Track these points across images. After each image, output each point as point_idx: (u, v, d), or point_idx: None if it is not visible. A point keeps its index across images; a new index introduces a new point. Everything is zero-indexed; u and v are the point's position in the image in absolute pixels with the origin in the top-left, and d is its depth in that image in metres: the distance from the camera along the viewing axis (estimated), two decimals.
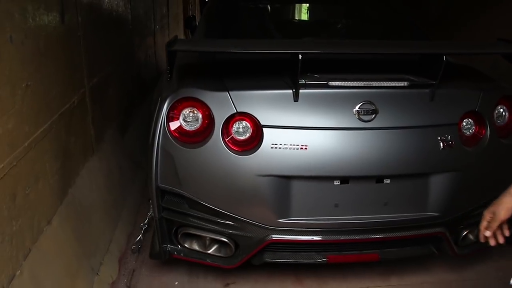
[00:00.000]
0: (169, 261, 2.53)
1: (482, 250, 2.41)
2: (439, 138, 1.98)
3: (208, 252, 2.17)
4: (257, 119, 1.91)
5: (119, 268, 2.48)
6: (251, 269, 2.43)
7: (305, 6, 3.80)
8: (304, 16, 3.96)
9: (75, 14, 2.33)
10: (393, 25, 2.98)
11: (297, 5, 3.96)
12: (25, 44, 1.70)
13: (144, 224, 2.71)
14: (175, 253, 2.19)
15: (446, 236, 2.13)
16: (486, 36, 3.82)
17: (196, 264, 2.46)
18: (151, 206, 2.74)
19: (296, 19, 4.05)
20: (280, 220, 1.96)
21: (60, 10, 2.09)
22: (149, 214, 2.73)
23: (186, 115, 1.97)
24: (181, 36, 8.45)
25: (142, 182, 3.42)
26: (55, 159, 2.04)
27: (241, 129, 1.93)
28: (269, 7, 3.28)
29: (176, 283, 2.40)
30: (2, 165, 1.52)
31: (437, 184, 2.02)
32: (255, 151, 1.90)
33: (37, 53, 1.83)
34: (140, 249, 2.65)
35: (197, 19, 4.26)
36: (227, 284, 2.38)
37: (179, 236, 2.15)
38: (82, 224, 2.30)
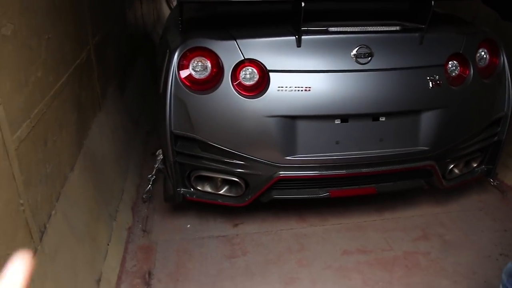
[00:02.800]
0: (179, 207, 2.71)
1: (466, 183, 2.66)
2: (428, 78, 2.18)
3: (220, 192, 2.35)
4: (263, 65, 2.06)
5: (132, 215, 2.65)
6: (258, 210, 2.63)
7: None
8: None
9: None
10: None
11: None
12: None
13: (152, 176, 2.86)
14: (188, 195, 2.37)
15: (435, 169, 2.35)
16: None
17: (206, 208, 2.66)
18: (158, 158, 2.92)
19: None
20: (287, 158, 2.15)
21: None
22: (156, 166, 2.87)
23: (195, 65, 2.10)
24: (163, 4, 8.36)
25: (142, 139, 3.56)
26: (72, 110, 2.16)
27: (248, 75, 2.08)
28: None
29: (188, 225, 2.59)
30: (36, 110, 1.65)
31: (427, 120, 2.23)
32: (263, 94, 2.06)
33: (53, 6, 1.92)
34: (150, 198, 2.81)
35: None
36: (236, 224, 2.58)
37: (192, 179, 2.31)
38: (98, 174, 2.44)
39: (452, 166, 2.48)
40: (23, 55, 1.56)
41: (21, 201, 1.51)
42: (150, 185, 2.83)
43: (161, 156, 2.89)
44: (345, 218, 2.64)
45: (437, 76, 2.20)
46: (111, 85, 3.18)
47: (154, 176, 2.87)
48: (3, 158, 1.38)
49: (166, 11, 8.48)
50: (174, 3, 9.59)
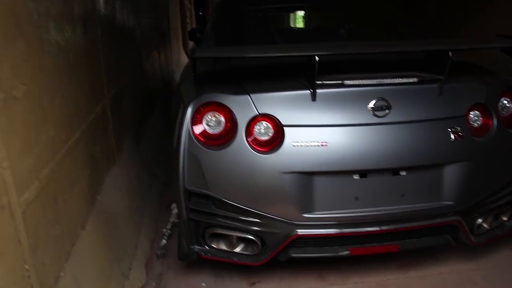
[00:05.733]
0: (194, 264, 2.61)
1: (496, 238, 2.51)
2: (449, 129, 2.10)
3: (235, 251, 2.25)
4: (278, 119, 2.01)
5: (146, 273, 2.56)
6: (275, 267, 2.51)
7: (308, 13, 3.94)
8: (307, 23, 4.10)
9: (95, 27, 2.44)
10: (395, 27, 3.11)
11: (300, 13, 4.10)
12: (59, 57, 1.81)
13: (167, 230, 2.79)
14: (203, 253, 2.28)
15: (462, 224, 2.22)
16: (481, 34, 3.97)
17: (221, 265, 2.55)
18: (173, 212, 2.86)
19: (300, 26, 4.19)
20: (305, 215, 2.06)
21: (83, 24, 2.20)
22: (171, 220, 2.81)
23: (209, 119, 2.07)
24: (180, 49, 8.60)
25: (158, 191, 3.51)
26: (85, 166, 2.13)
27: (263, 130, 2.03)
28: (274, 15, 3.41)
29: (203, 284, 2.48)
30: (47, 170, 1.62)
31: (451, 173, 2.13)
32: (278, 150, 2.00)
33: (68, 64, 1.93)
34: (165, 254, 2.73)
35: None
36: (253, 283, 2.46)
37: (207, 236, 2.23)
38: (110, 230, 2.38)
39: (480, 220, 2.34)
40: (35, 115, 1.54)
41: (27, 267, 1.45)
42: (164, 240, 2.75)
43: (175, 210, 2.83)
44: (368, 276, 2.49)
45: (459, 128, 2.12)
46: (127, 136, 3.18)
47: (169, 231, 2.80)
48: (9, 223, 1.34)
49: (185, 59, 8.70)
50: None
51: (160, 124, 4.55)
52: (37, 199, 1.53)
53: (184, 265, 2.63)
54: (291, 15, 4.00)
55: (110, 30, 2.84)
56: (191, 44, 7.55)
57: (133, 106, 3.55)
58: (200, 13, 13.07)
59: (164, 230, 2.80)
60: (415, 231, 2.23)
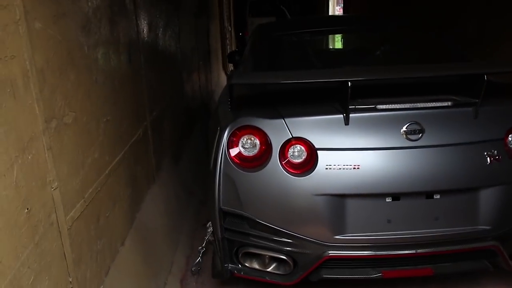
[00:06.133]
0: (227, 282, 2.67)
1: None
2: (485, 153, 2.07)
3: (268, 270, 2.29)
4: (311, 143, 2.06)
5: None
6: (308, 286, 2.53)
7: (343, 35, 3.99)
8: (343, 45, 4.14)
9: (139, 54, 2.59)
10: (432, 48, 3.10)
11: (335, 36, 4.16)
12: (105, 84, 1.95)
13: (202, 247, 2.86)
14: (236, 271, 2.33)
15: (500, 250, 2.17)
16: None
17: (254, 284, 2.59)
18: (208, 230, 2.91)
19: (336, 48, 4.24)
20: (337, 237, 2.08)
21: (128, 51, 2.35)
22: (206, 238, 2.88)
23: (244, 142, 2.15)
24: (220, 70, 8.80)
25: (195, 209, 3.61)
26: (126, 186, 2.25)
27: (296, 153, 2.08)
28: (309, 39, 3.48)
29: None
30: (91, 189, 1.73)
31: (487, 197, 2.09)
32: (311, 173, 2.04)
33: (113, 90, 2.07)
34: (200, 271, 2.80)
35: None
36: None
37: (240, 255, 2.29)
38: (148, 247, 2.48)
39: None
40: (82, 139, 1.67)
41: (70, 279, 1.56)
42: (200, 257, 2.82)
43: (211, 229, 2.91)
44: None
45: (496, 151, 2.09)
46: (166, 156, 3.31)
47: (204, 248, 2.87)
48: (56, 238, 1.45)
49: (224, 80, 8.88)
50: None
51: (199, 143, 4.68)
52: (81, 217, 1.65)
53: (218, 283, 2.68)
54: (326, 38, 4.06)
55: (152, 55, 2.99)
56: (230, 65, 7.75)
57: (173, 126, 3.70)
58: (240, 33, 13.40)
59: (199, 248, 2.87)
60: (450, 255, 2.19)
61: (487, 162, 2.07)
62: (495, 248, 2.17)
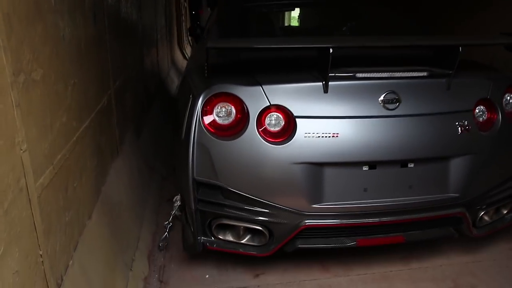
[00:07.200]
0: (197, 256, 2.61)
1: (496, 230, 2.55)
2: (456, 123, 2.13)
3: (242, 242, 2.25)
4: (289, 111, 2.02)
5: (149, 265, 2.54)
6: (279, 259, 2.52)
7: (310, 10, 3.95)
8: (310, 20, 4.11)
9: (103, 17, 2.43)
10: (399, 25, 3.13)
11: (301, 9, 4.11)
12: (72, 44, 1.80)
13: (169, 223, 2.77)
14: (208, 244, 2.27)
15: (466, 217, 2.26)
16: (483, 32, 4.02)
17: (224, 257, 2.55)
18: (175, 205, 2.83)
19: (303, 23, 4.20)
20: (314, 206, 2.07)
21: (93, 12, 2.19)
22: (172, 212, 2.79)
23: (219, 110, 2.07)
24: (175, 47, 8.55)
25: (158, 185, 3.49)
26: (92, 156, 2.11)
27: (274, 121, 2.04)
28: (279, 11, 3.42)
29: (207, 276, 2.47)
30: (59, 156, 1.60)
31: (457, 166, 2.16)
32: (289, 141, 2.01)
33: (80, 53, 1.92)
34: (167, 246, 2.71)
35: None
36: (257, 275, 2.46)
37: (213, 227, 2.23)
38: (114, 221, 2.36)
39: (482, 213, 2.38)
40: (50, 100, 1.53)
41: (41, 252, 1.43)
42: (166, 233, 2.73)
43: (178, 203, 2.81)
44: (370, 268, 2.51)
45: (466, 122, 2.15)
46: (129, 130, 3.16)
47: (171, 223, 2.78)
48: (26, 207, 1.32)
49: (179, 57, 8.65)
50: (187, 50, 9.83)
51: (158, 120, 4.53)
52: (50, 185, 1.52)
53: (186, 257, 2.62)
54: (294, 12, 4.01)
55: (115, 22, 2.82)
56: (186, 44, 7.53)
57: (134, 99, 3.54)
58: (193, 12, 13.05)
59: (165, 223, 2.78)
60: (420, 223, 2.26)
61: (458, 132, 2.13)
62: (462, 215, 2.26)
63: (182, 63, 8.47)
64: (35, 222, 1.38)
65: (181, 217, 2.81)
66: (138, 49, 3.85)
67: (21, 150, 1.28)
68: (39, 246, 1.42)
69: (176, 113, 2.53)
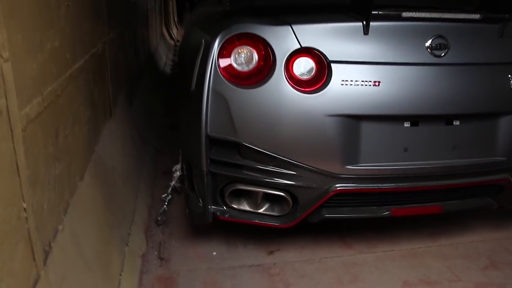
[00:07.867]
0: (200, 231, 2.30)
1: None
2: (509, 76, 1.86)
3: (259, 211, 1.94)
4: (324, 55, 1.71)
5: (146, 240, 2.21)
6: (294, 235, 2.23)
7: None
8: None
9: None
10: None
11: None
12: None
13: (167, 195, 2.45)
14: (219, 214, 1.95)
15: (511, 184, 2.00)
16: None
17: (233, 232, 2.25)
18: (174, 175, 2.51)
19: None
20: (348, 167, 1.77)
21: None
22: (171, 183, 2.48)
23: (238, 55, 1.75)
24: (163, 27, 8.25)
25: (152, 157, 3.16)
26: (85, 106, 1.79)
27: (305, 66, 1.72)
28: None
29: (214, 253, 2.16)
30: (50, 88, 1.27)
31: (506, 125, 1.90)
32: (324, 89, 1.70)
33: None
34: (166, 221, 2.39)
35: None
36: (271, 252, 2.16)
37: (226, 194, 1.91)
38: (108, 187, 2.03)
39: None
40: (41, 11, 1.19)
41: (24, 205, 1.10)
42: (165, 206, 2.41)
43: (178, 173, 2.49)
44: (396, 245, 2.24)
45: None
46: (121, 94, 2.83)
47: (170, 196, 2.46)
48: (6, 137, 0.99)
49: (166, 38, 8.34)
50: (174, 31, 9.53)
51: (147, 94, 4.18)
52: (38, 121, 1.20)
53: (188, 232, 2.30)
54: None
55: None
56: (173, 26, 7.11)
57: (126, 64, 3.20)
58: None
59: (163, 195, 2.46)
60: (460, 190, 2.00)
61: (510, 86, 1.86)
62: (506, 182, 2.00)
63: (169, 42, 8.50)
64: (18, 162, 1.05)
65: (181, 189, 2.49)
66: (132, 18, 3.51)
67: (2, 57, 0.94)
68: (22, 196, 1.09)
69: (182, 67, 2.19)
